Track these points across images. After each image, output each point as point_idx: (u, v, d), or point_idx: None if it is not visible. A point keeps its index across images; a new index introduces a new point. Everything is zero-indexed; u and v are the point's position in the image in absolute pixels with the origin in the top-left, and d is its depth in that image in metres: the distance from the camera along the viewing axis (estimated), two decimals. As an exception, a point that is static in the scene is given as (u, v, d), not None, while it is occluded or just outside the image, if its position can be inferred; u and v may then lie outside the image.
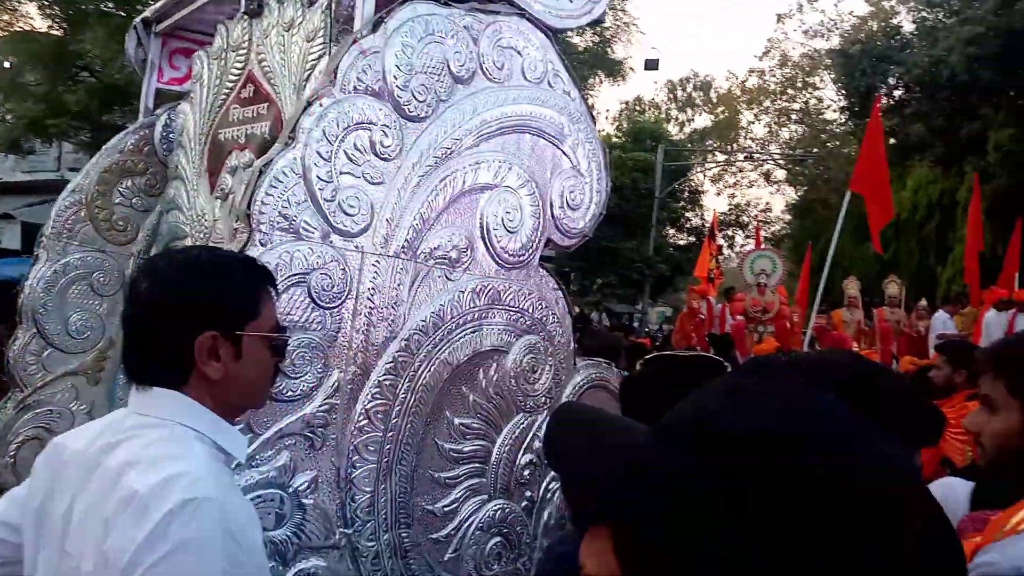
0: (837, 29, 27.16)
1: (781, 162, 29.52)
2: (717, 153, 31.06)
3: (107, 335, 3.03)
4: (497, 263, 2.38)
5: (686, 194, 27.08)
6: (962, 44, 18.77)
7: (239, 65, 2.74)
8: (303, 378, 2.02)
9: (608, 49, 22.63)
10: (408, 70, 2.19)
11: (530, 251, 2.44)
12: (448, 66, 2.27)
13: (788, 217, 29.64)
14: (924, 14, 22.57)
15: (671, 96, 34.15)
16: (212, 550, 1.15)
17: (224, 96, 2.80)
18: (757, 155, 30.13)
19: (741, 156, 30.03)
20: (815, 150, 27.78)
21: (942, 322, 12.18)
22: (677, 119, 33.35)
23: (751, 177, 30.94)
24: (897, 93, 21.94)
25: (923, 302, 14.61)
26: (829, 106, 28.02)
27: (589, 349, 3.76)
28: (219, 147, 2.80)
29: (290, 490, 1.99)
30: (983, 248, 13.97)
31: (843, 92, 23.95)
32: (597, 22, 2.71)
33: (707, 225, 22.45)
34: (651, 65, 23.62)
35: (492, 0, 2.41)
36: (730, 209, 30.87)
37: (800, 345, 13.47)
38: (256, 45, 2.68)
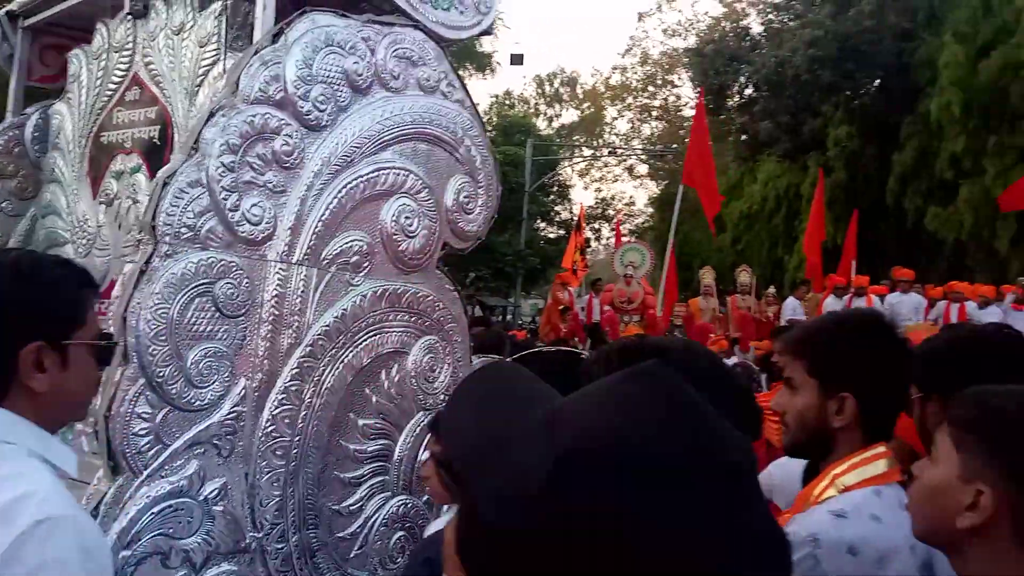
0: (694, 29, 28.59)
1: (643, 157, 30.78)
2: (584, 148, 31.99)
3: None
4: (397, 267, 2.46)
5: (555, 188, 27.75)
6: (804, 46, 20.24)
7: (123, 66, 2.67)
8: (210, 387, 2.04)
9: (476, 43, 22.82)
10: (308, 80, 2.23)
11: (428, 254, 2.54)
12: (347, 76, 2.33)
13: (651, 210, 30.96)
14: (771, 17, 24.10)
15: (539, 91, 34.82)
16: (72, 571, 1.10)
17: (106, 98, 2.72)
18: (621, 150, 31.28)
19: (606, 151, 31.08)
20: (674, 145, 29.15)
21: (791, 308, 13.11)
22: (545, 114, 34.09)
23: (616, 172, 32.12)
24: (747, 91, 23.32)
25: (771, 289, 15.67)
26: (687, 103, 29.46)
27: (476, 345, 3.89)
28: (102, 150, 2.72)
29: (200, 498, 2.01)
30: (825, 238, 15.19)
31: (699, 90, 25.23)
32: (486, 32, 2.83)
33: (575, 218, 23.12)
34: (516, 60, 24.03)
35: (388, 12, 2.49)
36: (597, 203, 31.89)
37: (661, 331, 14.20)
38: (142, 47, 2.63)
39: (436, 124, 2.55)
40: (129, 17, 2.66)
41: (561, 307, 14.83)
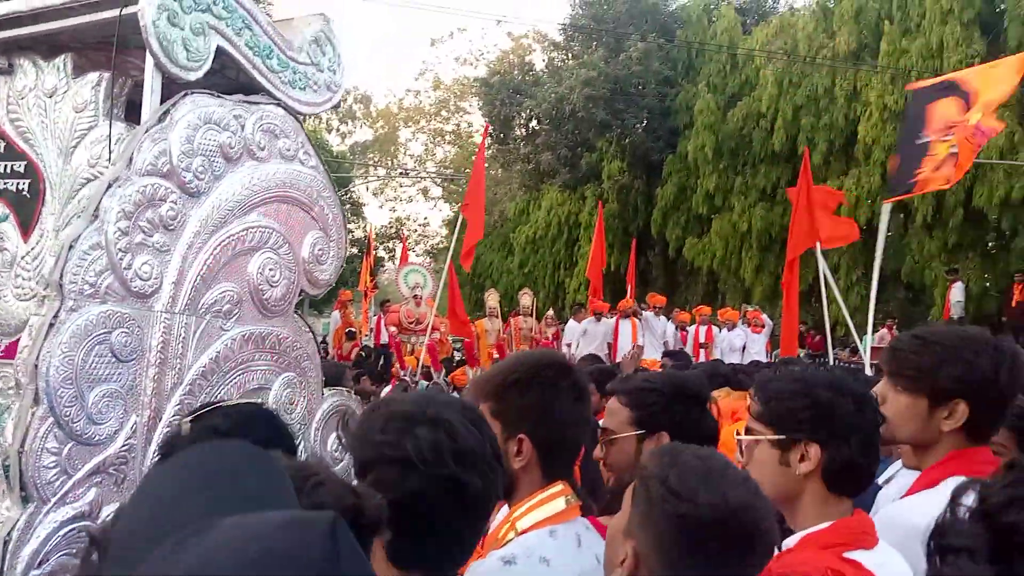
0: (483, 59, 30.04)
1: (436, 180, 31.73)
2: (378, 167, 32.33)
3: None
4: (261, 313, 2.86)
5: (348, 206, 27.83)
6: (580, 85, 22.07)
7: (-15, 120, 2.84)
8: (107, 424, 2.34)
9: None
10: (190, 154, 2.60)
11: (287, 301, 2.96)
12: (222, 149, 2.71)
13: (445, 231, 31.94)
14: (553, 55, 25.98)
15: (332, 107, 34.51)
16: None
17: (-35, 148, 2.86)
18: (414, 172, 32.02)
19: (398, 172, 31.65)
20: (466, 170, 30.38)
21: (572, 331, 14.33)
22: (338, 130, 33.96)
23: (411, 192, 32.74)
24: (532, 124, 24.92)
25: (551, 312, 16.95)
26: (477, 130, 30.82)
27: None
28: (-40, 199, 2.85)
29: (98, 522, 2.30)
30: (605, 264, 16.74)
31: (486, 118, 26.56)
32: (335, 107, 3.30)
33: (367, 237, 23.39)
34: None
35: (256, 92, 2.89)
36: (391, 222, 32.31)
37: (447, 352, 14.92)
38: (7, 103, 2.82)
39: (294, 187, 2.98)
40: (-8, 74, 2.83)
41: (348, 329, 15.10)
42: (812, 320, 17.28)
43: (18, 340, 2.70)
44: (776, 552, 1.37)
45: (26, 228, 2.75)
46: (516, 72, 25.68)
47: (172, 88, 2.65)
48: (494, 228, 24.98)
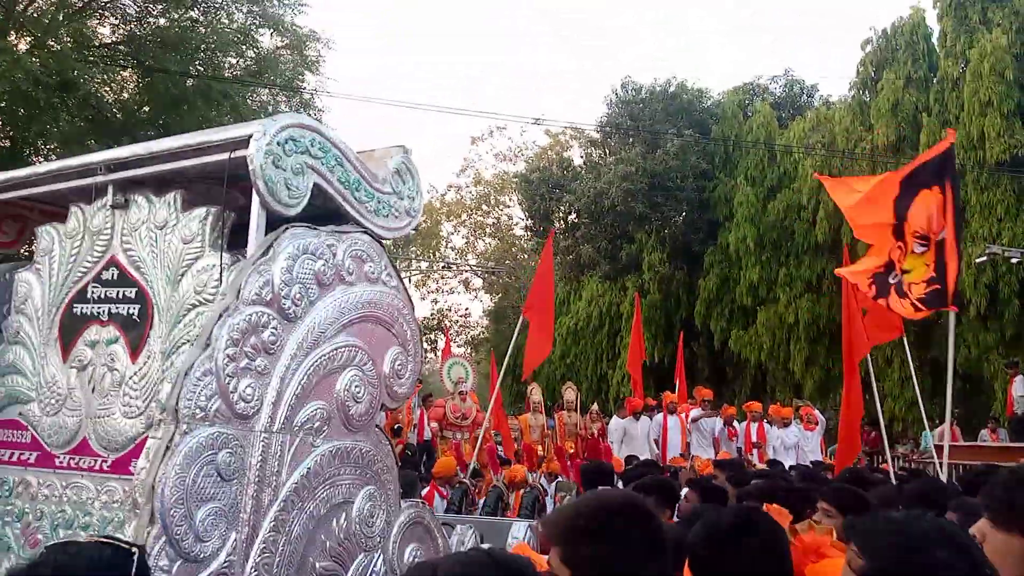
0: (522, 155, 30.95)
1: (477, 271, 32.32)
2: (420, 260, 33.03)
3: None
4: (346, 428, 3.04)
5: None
6: (619, 179, 22.56)
7: (100, 249, 3.14)
8: (212, 541, 2.51)
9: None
10: (289, 282, 2.84)
11: (370, 416, 3.14)
12: (316, 276, 2.96)
13: (486, 322, 32.25)
14: (590, 151, 26.69)
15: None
16: None
17: (80, 273, 3.15)
18: (455, 264, 32.66)
19: (441, 264, 32.31)
20: (507, 261, 30.92)
21: (614, 428, 14.21)
22: (380, 226, 34.67)
23: (452, 284, 33.29)
24: (571, 217, 25.42)
25: (595, 406, 16.86)
26: (517, 223, 31.49)
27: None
28: (74, 320, 3.13)
29: (201, 639, 2.43)
30: (645, 357, 16.73)
31: (526, 212, 27.16)
32: (414, 230, 3.56)
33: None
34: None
35: (346, 221, 3.16)
36: (433, 314, 32.77)
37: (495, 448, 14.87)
38: (121, 234, 3.11)
39: (378, 307, 3.21)
40: (108, 207, 3.14)
41: (394, 425, 15.18)
42: (868, 416, 16.98)
43: (125, 455, 2.92)
44: None
45: (135, 350, 3.00)
46: (555, 168, 26.39)
47: (275, 220, 2.91)
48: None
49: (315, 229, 2.99)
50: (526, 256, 30.76)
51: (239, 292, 2.68)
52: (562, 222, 25.54)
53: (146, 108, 14.76)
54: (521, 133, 33.54)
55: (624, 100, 24.32)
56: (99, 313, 3.10)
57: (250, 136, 2.85)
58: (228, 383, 2.60)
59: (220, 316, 2.62)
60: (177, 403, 2.46)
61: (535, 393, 16.00)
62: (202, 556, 2.47)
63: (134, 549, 1.59)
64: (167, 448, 2.42)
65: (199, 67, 14.48)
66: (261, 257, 2.78)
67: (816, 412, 14.23)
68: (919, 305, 6.87)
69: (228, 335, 2.61)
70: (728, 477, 5.05)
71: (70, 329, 3.14)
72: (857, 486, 3.54)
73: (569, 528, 1.61)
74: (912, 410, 16.93)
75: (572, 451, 13.51)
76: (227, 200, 2.95)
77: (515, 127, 31.89)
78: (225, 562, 2.54)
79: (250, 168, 2.80)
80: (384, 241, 3.33)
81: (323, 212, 3.18)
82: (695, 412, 13.61)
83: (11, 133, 13.76)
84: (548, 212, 25.37)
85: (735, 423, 13.88)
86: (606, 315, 25.52)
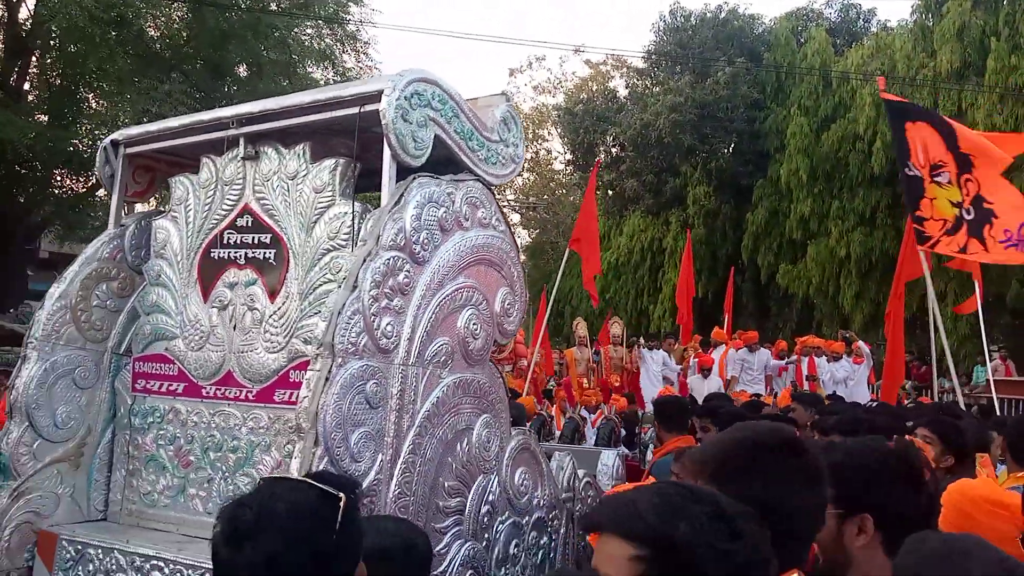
0: (562, 87, 30.70)
1: (515, 206, 32.50)
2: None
3: (86, 423, 3.51)
4: (467, 362, 3.36)
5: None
6: (666, 111, 22.41)
7: (233, 197, 3.45)
8: (364, 462, 2.86)
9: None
10: (417, 228, 3.13)
11: (486, 350, 3.46)
12: (439, 222, 3.24)
13: (523, 258, 32.60)
14: (635, 81, 26.41)
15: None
16: None
17: (215, 220, 3.47)
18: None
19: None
20: (545, 197, 31.03)
21: (661, 360, 14.55)
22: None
23: (490, 219, 33.52)
24: (614, 150, 25.37)
25: (642, 340, 17.17)
26: (556, 157, 31.51)
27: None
28: (212, 263, 3.47)
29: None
30: (695, 293, 16.95)
31: (568, 146, 27.10)
32: (518, 175, 3.83)
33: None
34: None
35: (459, 169, 3.42)
36: (471, 250, 33.15)
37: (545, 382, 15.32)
38: (253, 184, 3.41)
39: (490, 250, 3.50)
40: (239, 159, 3.43)
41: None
42: (917, 349, 17.11)
43: (269, 386, 3.29)
44: None
45: (273, 291, 3.33)
46: (599, 99, 26.21)
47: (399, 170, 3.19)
48: (574, 254, 25.44)
49: (436, 178, 3.26)
50: (565, 191, 30.82)
51: (378, 238, 2.97)
52: (606, 155, 25.49)
53: (193, 43, 14.99)
54: (561, 64, 33.24)
55: (672, 27, 23.97)
56: (236, 257, 3.43)
57: (380, 91, 3.11)
58: (373, 321, 2.92)
59: (364, 260, 2.92)
60: (333, 339, 2.78)
61: (581, 327, 16.33)
62: (356, 474, 2.82)
63: (340, 495, 1.47)
64: (326, 379, 2.75)
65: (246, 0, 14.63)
66: (395, 206, 3.06)
67: (861, 344, 14.40)
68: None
69: (371, 278, 2.92)
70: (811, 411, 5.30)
71: (209, 272, 3.48)
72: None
73: (718, 465, 1.57)
74: (965, 344, 17.01)
75: (618, 384, 13.91)
76: (356, 150, 3.23)
77: (553, 59, 31.60)
78: (374, 480, 2.89)
79: (383, 123, 3.06)
80: (493, 188, 3.59)
81: (435, 160, 3.45)
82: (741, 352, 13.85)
83: (67, 71, 14.11)
84: (591, 145, 25.34)
85: (785, 358, 14.14)
86: (648, 250, 25.65)
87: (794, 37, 23.11)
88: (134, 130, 3.77)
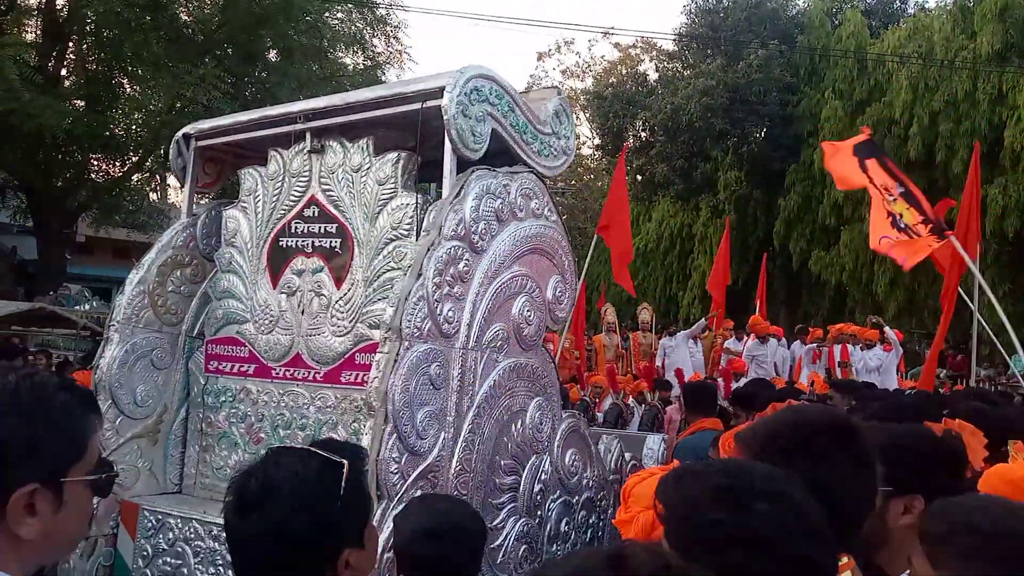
0: (590, 71, 30.71)
1: (544, 192, 32.68)
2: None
3: (162, 402, 3.78)
4: (521, 347, 3.57)
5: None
6: (698, 95, 22.38)
7: (300, 189, 3.67)
8: (428, 439, 3.08)
9: (381, 73, 23.77)
10: (476, 219, 3.33)
11: (539, 336, 3.66)
12: (496, 213, 3.44)
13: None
14: (665, 65, 26.37)
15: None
16: None
17: (284, 211, 3.70)
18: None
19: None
20: (573, 182, 31.10)
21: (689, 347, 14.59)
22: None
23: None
24: (644, 135, 25.38)
25: (673, 328, 17.26)
26: (584, 142, 31.55)
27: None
28: (280, 251, 3.70)
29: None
30: (729, 281, 17.02)
31: (597, 131, 27.14)
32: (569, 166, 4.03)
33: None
34: (422, 92, 25.13)
35: (513, 161, 3.62)
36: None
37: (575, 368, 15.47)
38: (319, 176, 3.63)
39: (542, 239, 3.69)
40: (306, 152, 3.65)
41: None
42: (953, 338, 17.08)
43: (336, 368, 3.51)
44: None
45: (339, 278, 3.56)
46: (628, 84, 26.23)
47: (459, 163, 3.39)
48: (601, 240, 25.54)
49: (493, 171, 3.46)
50: (593, 176, 30.87)
51: (440, 229, 3.18)
52: (635, 140, 25.51)
53: (225, 28, 15.25)
54: (589, 48, 33.21)
55: (704, 9, 23.88)
56: (303, 246, 3.65)
57: (441, 88, 3.31)
58: (436, 307, 3.13)
59: (428, 250, 3.13)
60: (400, 324, 3.00)
61: (610, 313, 16.49)
62: (421, 451, 3.04)
63: (343, 462, 1.46)
64: (394, 361, 2.97)
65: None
66: (455, 198, 3.27)
67: (889, 331, 14.39)
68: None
69: (434, 266, 3.13)
70: (847, 399, 5.44)
71: (277, 259, 3.71)
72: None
73: (768, 446, 1.58)
74: (1002, 334, 16.96)
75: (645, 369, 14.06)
76: (419, 145, 3.43)
77: (582, 42, 31.60)
78: (437, 456, 3.12)
79: (445, 118, 3.26)
80: (545, 180, 3.78)
81: (491, 151, 3.64)
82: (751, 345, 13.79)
83: (103, 56, 14.44)
84: (621, 130, 25.36)
85: (820, 348, 14.16)
86: (677, 236, 25.70)
87: (829, 19, 22.96)
88: (205, 124, 4.01)
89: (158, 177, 18.69)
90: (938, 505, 1.49)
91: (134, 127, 15.31)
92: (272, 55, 17.03)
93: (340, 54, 19.27)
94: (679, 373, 11.80)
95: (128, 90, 15.51)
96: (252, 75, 16.53)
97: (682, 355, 14.10)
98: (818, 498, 1.36)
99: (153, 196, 21.50)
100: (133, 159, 16.37)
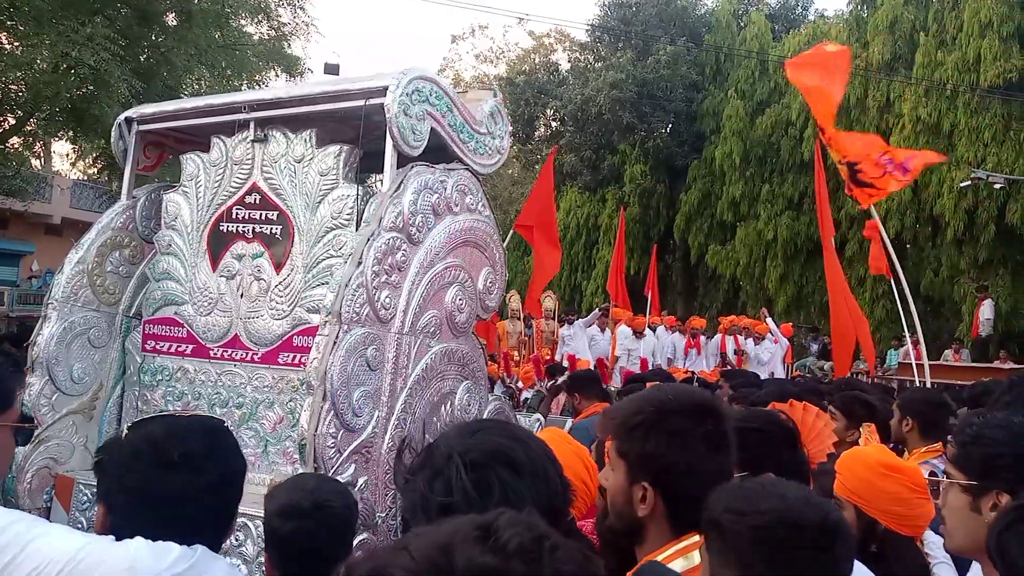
0: (504, 57, 31.02)
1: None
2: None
3: (99, 379, 3.88)
4: (453, 333, 3.85)
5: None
6: (607, 87, 22.99)
7: (242, 176, 3.83)
8: (363, 416, 3.33)
9: (285, 44, 23.32)
10: (414, 212, 3.58)
11: (469, 324, 3.95)
12: (432, 207, 3.70)
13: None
14: (577, 56, 26.92)
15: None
16: None
17: (225, 197, 3.85)
18: (433, 169, 33.07)
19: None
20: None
21: (590, 337, 15.10)
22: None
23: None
24: (554, 124, 25.89)
25: (572, 318, 17.72)
26: (495, 126, 31.77)
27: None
28: (220, 236, 3.85)
29: (354, 489, 3.28)
30: (624, 272, 17.67)
31: (508, 117, 27.45)
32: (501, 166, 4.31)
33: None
34: (331, 69, 24.83)
35: (450, 159, 3.88)
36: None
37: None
38: (261, 165, 3.80)
39: (475, 233, 3.97)
40: (249, 141, 3.82)
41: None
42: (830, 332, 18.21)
43: (273, 349, 3.71)
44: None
45: (279, 263, 3.74)
46: (541, 71, 26.67)
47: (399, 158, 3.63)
48: (510, 227, 25.99)
49: (431, 167, 3.71)
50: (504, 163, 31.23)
51: (380, 220, 3.42)
52: (546, 128, 25.97)
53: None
54: (504, 34, 33.45)
55: (617, 2, 24.49)
56: (244, 231, 3.82)
57: (384, 88, 3.53)
58: (374, 294, 3.37)
59: (368, 240, 3.36)
60: (340, 308, 3.23)
61: (514, 300, 16.83)
62: (356, 427, 3.28)
63: (226, 423, 1.60)
64: (334, 343, 3.21)
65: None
66: (395, 192, 3.51)
67: (771, 322, 15.28)
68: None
69: (374, 255, 3.37)
70: (733, 385, 5.94)
71: (218, 244, 3.86)
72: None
73: (626, 423, 1.63)
74: (880, 328, 18.24)
75: (548, 358, 14.51)
76: (361, 140, 3.65)
77: (497, 28, 31.83)
78: (371, 433, 3.36)
79: (387, 116, 3.49)
80: (480, 176, 4.06)
81: (429, 148, 3.89)
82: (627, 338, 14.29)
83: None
84: (532, 118, 25.79)
85: (702, 335, 14.85)
86: (584, 226, 26.37)
87: (735, 20, 23.97)
88: (148, 108, 4.10)
89: (40, 143, 17.83)
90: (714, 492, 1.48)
91: (13, 86, 14.55)
92: (170, 18, 16.47)
93: (244, 22, 18.81)
94: (571, 359, 12.21)
95: (7, 46, 14.69)
96: (147, 38, 15.87)
97: (581, 343, 14.54)
98: (669, 477, 1.54)
99: (36, 163, 20.47)
100: (11, 121, 15.56)
